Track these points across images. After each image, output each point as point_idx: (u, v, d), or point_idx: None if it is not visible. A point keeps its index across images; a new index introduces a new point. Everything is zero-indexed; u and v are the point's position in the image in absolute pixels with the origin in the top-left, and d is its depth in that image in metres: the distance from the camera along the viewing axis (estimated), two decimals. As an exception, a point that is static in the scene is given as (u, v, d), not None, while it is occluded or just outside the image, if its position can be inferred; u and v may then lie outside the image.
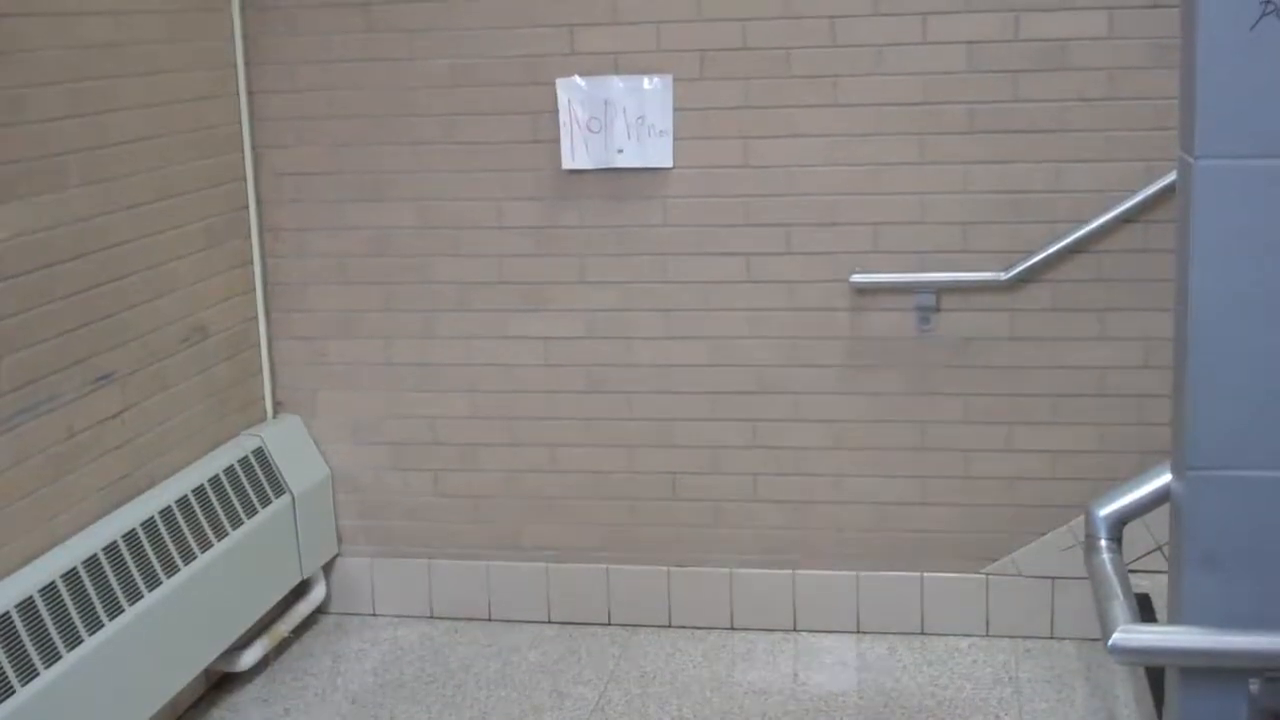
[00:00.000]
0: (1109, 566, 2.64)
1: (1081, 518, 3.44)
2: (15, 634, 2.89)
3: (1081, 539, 3.42)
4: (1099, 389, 3.66)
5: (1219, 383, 2.02)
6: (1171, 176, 3.32)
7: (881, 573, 3.87)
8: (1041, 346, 3.67)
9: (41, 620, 2.96)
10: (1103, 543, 2.74)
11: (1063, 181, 3.59)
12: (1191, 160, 2.00)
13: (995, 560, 3.80)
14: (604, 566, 4.04)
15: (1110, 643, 2.37)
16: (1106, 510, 2.78)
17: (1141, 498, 2.70)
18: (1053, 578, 3.77)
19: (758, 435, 3.87)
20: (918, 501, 3.82)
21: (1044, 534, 3.76)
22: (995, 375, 3.71)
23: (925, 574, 3.85)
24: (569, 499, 4.03)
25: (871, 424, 3.80)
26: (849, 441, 3.83)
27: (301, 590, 4.06)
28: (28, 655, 2.90)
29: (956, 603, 3.83)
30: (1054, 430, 3.71)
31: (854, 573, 3.89)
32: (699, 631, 3.95)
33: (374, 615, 4.19)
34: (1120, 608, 2.44)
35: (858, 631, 3.89)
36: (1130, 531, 2.74)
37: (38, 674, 2.90)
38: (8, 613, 2.89)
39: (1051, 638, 3.79)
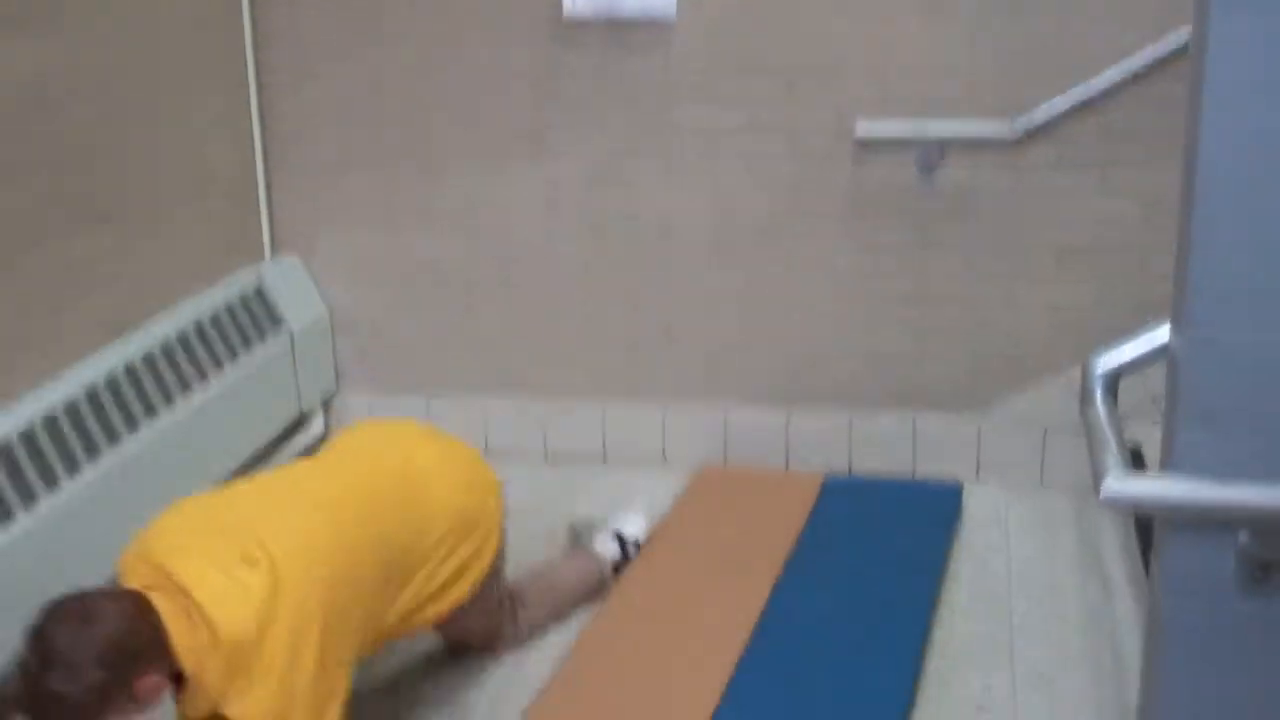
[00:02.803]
0: (1103, 418, 2.65)
1: (1078, 370, 3.46)
2: (17, 463, 2.92)
3: (1077, 391, 3.44)
4: (1100, 244, 3.66)
5: (1223, 239, 2.01)
6: (1184, 36, 3.29)
7: (874, 415, 3.91)
8: (1044, 200, 3.66)
9: (42, 451, 2.99)
10: (1098, 395, 2.75)
11: (1074, 36, 3.54)
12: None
13: (989, 408, 3.84)
14: (600, 405, 4.08)
15: (1102, 491, 2.39)
16: (1104, 363, 2.79)
17: (1140, 353, 2.71)
18: (1046, 427, 3.80)
19: (756, 284, 3.88)
20: (915, 352, 3.84)
21: (1040, 385, 3.79)
22: (997, 228, 3.71)
23: (917, 417, 3.89)
24: (566, 342, 4.04)
25: (871, 275, 3.81)
26: (847, 292, 3.84)
27: (300, 425, 4.10)
28: (29, 484, 2.94)
29: (948, 446, 3.87)
30: (1054, 285, 3.71)
31: (847, 414, 3.93)
32: (690, 470, 3.99)
33: (372, 450, 4.23)
34: (1113, 457, 2.47)
35: (849, 472, 3.93)
36: (1125, 384, 2.76)
37: (38, 500, 2.94)
38: (9, 443, 2.92)
39: (1042, 485, 3.83)
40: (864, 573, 3.36)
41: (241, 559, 2.39)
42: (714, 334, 3.95)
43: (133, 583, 2.39)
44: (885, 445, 3.91)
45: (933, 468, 3.89)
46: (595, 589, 3.35)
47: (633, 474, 4.02)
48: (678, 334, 3.97)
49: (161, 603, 2.31)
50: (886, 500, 3.74)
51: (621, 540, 3.45)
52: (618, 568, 3.42)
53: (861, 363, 3.88)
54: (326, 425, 4.21)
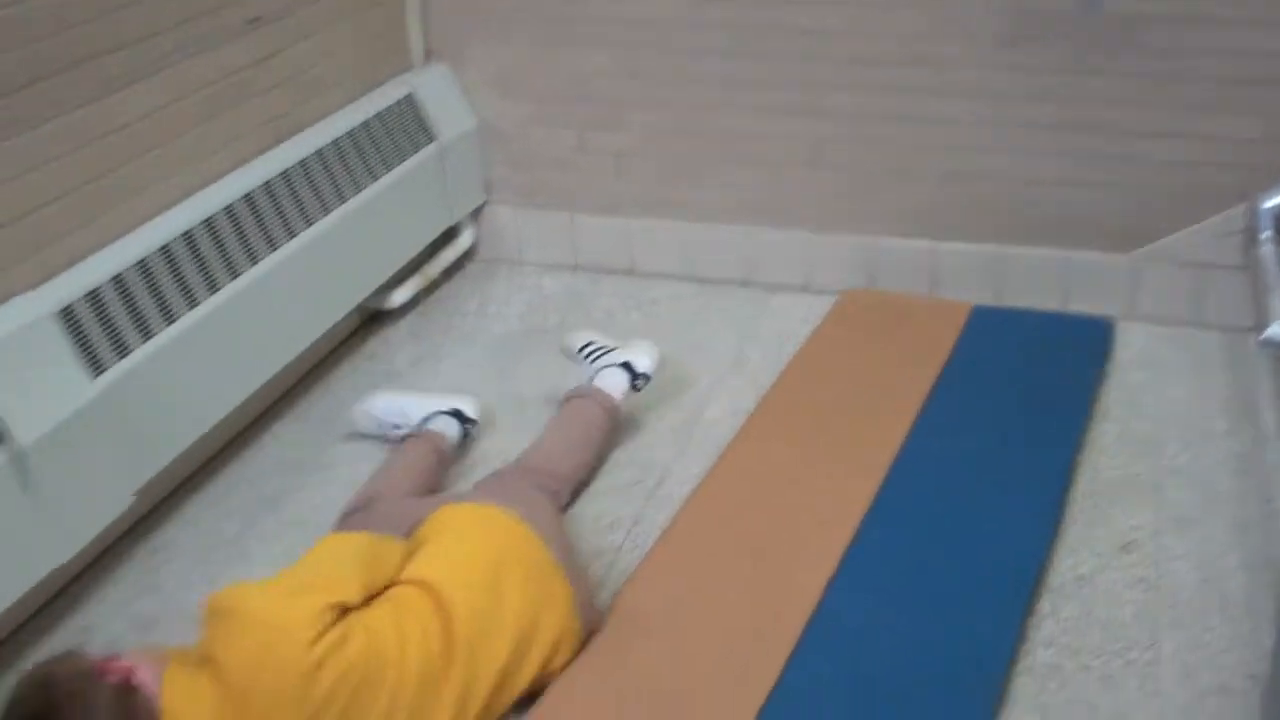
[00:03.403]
0: (1270, 259, 2.59)
1: (1241, 208, 3.37)
2: (178, 264, 2.99)
3: (1240, 229, 3.35)
4: (1271, 76, 3.52)
5: None
6: None
7: (1025, 248, 3.84)
8: (1214, 29, 3.52)
9: (202, 252, 3.06)
10: (1265, 234, 2.69)
11: None
12: None
13: (1145, 244, 3.75)
14: (745, 228, 4.06)
15: (1265, 334, 2.35)
16: (1272, 202, 2.72)
17: (1312, 193, 2.62)
18: (1204, 265, 3.71)
19: (907, 107, 3.80)
20: (1069, 181, 3.75)
21: (1200, 222, 3.68)
22: (1162, 56, 3.57)
23: (1071, 252, 3.81)
24: (712, 164, 4.01)
25: (1027, 100, 3.70)
26: (1003, 117, 3.74)
27: (450, 235, 4.14)
28: (189, 285, 3.01)
29: (1102, 282, 3.80)
30: (1221, 117, 3.58)
31: (997, 246, 3.86)
32: (835, 296, 3.97)
33: (520, 263, 4.27)
34: (1278, 300, 2.42)
35: (998, 304, 3.88)
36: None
37: (199, 303, 3.03)
38: (170, 244, 2.99)
39: (1197, 325, 3.75)
40: (1010, 406, 3.33)
41: None
42: (863, 158, 3.88)
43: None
44: (1036, 279, 3.85)
45: (1084, 304, 3.82)
46: (613, 428, 3.28)
47: (774, 299, 4.01)
48: (826, 157, 3.92)
49: None
50: (1036, 333, 3.69)
51: (631, 371, 3.36)
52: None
53: (1015, 192, 3.80)
54: (476, 237, 4.24)
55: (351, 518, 2.91)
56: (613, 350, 3.41)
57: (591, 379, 3.34)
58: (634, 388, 3.34)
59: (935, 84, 3.74)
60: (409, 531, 2.67)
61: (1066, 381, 3.45)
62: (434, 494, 3.09)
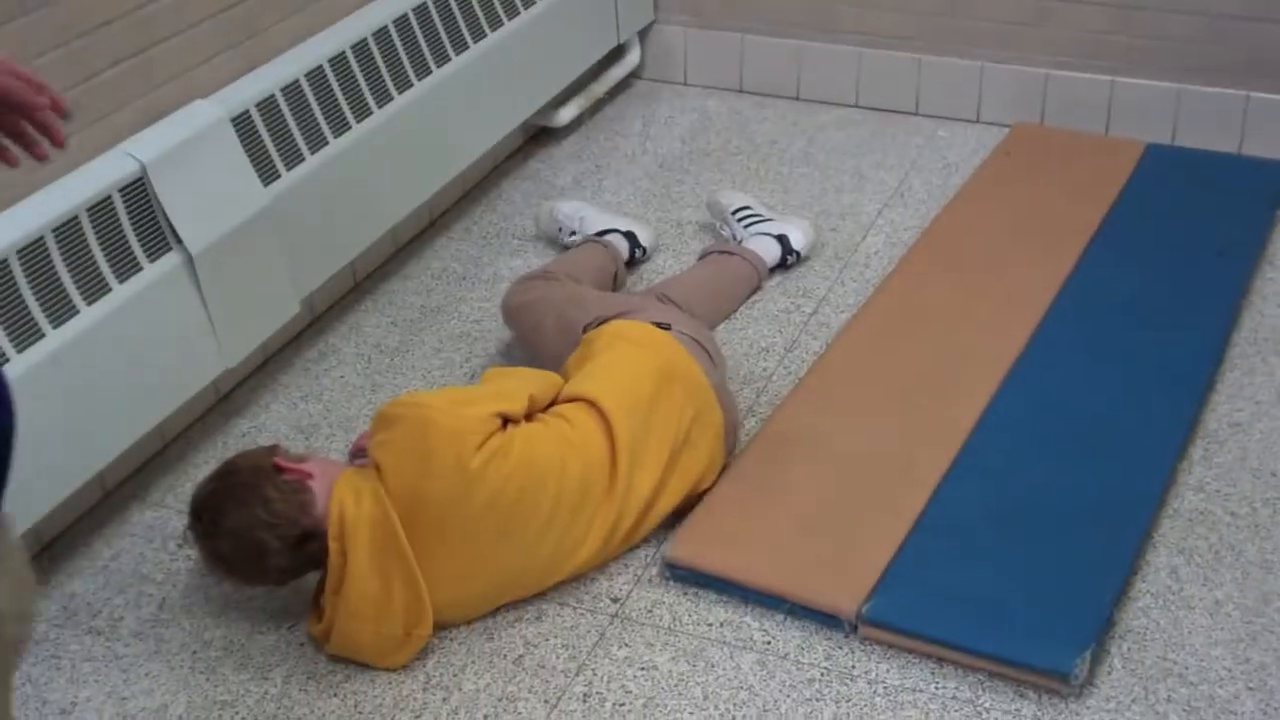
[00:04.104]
0: None
1: None
2: (348, 76, 3.04)
3: None
4: None
5: None
6: None
7: (1205, 88, 3.72)
8: None
9: (373, 64, 3.11)
10: None
11: None
12: None
13: (1333, 85, 3.62)
14: (916, 56, 3.99)
15: None
16: None
17: None
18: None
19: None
20: (1258, 15, 3.61)
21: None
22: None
23: (1252, 93, 3.69)
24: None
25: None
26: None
27: (617, 54, 4.13)
28: (359, 96, 3.06)
29: (1281, 126, 3.69)
30: None
31: (1176, 84, 3.75)
32: (1005, 129, 3.90)
33: (685, 84, 4.25)
34: None
35: (1173, 144, 3.78)
36: None
37: (370, 114, 3.08)
38: (340, 55, 3.03)
39: (1379, 171, 3.63)
40: (1177, 248, 3.27)
41: None
42: (1044, -13, 3.79)
43: None
44: (1214, 120, 3.73)
45: (1262, 148, 3.71)
46: (753, 292, 3.25)
47: (943, 130, 3.95)
48: (1005, -16, 3.82)
49: None
50: (1209, 175, 3.59)
51: (785, 245, 3.30)
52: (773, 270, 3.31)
53: (1197, 25, 3.66)
54: (642, 57, 4.22)
55: (531, 281, 3.00)
56: (769, 220, 3.37)
57: (741, 241, 3.33)
58: (783, 263, 3.32)
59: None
60: (585, 328, 2.74)
61: (1237, 225, 3.36)
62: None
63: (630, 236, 3.32)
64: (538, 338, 2.92)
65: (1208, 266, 3.20)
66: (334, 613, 2.30)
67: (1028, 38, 3.84)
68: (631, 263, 3.33)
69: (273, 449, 2.39)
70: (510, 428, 2.42)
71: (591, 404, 2.50)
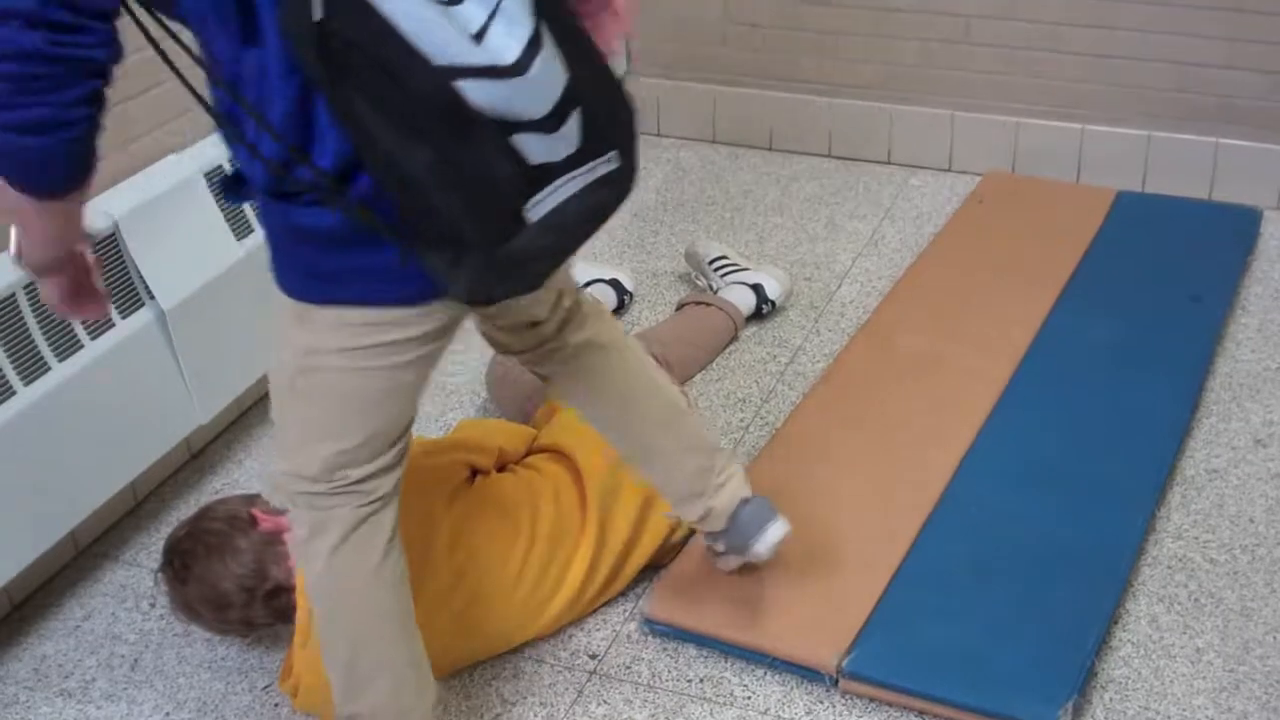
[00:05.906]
0: None
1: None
2: None
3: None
4: None
5: None
6: None
7: (1175, 135, 3.75)
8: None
9: None
10: None
11: None
12: None
13: (1300, 132, 3.65)
14: (887, 106, 4.01)
15: None
16: None
17: None
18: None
19: (1064, -19, 3.71)
20: (1225, 64, 3.64)
21: (1359, 109, 3.57)
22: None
23: (1221, 140, 3.72)
24: (857, 35, 3.95)
25: (1188, -22, 3.60)
26: (1161, -5, 3.64)
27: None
28: None
29: (1251, 171, 3.70)
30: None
31: (1146, 131, 3.78)
32: (977, 178, 3.92)
33: (659, 135, 4.27)
34: None
35: (1143, 190, 3.80)
36: None
37: None
38: None
39: (1350, 218, 3.66)
40: (1151, 294, 3.28)
41: None
42: (1010, 35, 3.80)
43: None
44: (1183, 166, 3.75)
45: (1232, 193, 3.73)
46: (729, 342, 3.25)
47: (915, 179, 3.97)
48: (974, 34, 3.84)
49: None
50: (1180, 221, 3.61)
51: (760, 294, 3.31)
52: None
53: (1165, 74, 3.70)
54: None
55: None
56: (745, 270, 3.37)
57: (717, 291, 3.33)
58: (759, 312, 3.32)
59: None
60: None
61: (1208, 271, 3.38)
62: None
63: (615, 284, 3.34)
64: (505, 390, 2.93)
65: (1182, 312, 3.21)
66: (302, 668, 2.27)
67: (998, 86, 3.87)
68: (620, 309, 3.36)
69: (252, 498, 2.37)
70: (479, 478, 2.41)
71: (562, 454, 2.50)
